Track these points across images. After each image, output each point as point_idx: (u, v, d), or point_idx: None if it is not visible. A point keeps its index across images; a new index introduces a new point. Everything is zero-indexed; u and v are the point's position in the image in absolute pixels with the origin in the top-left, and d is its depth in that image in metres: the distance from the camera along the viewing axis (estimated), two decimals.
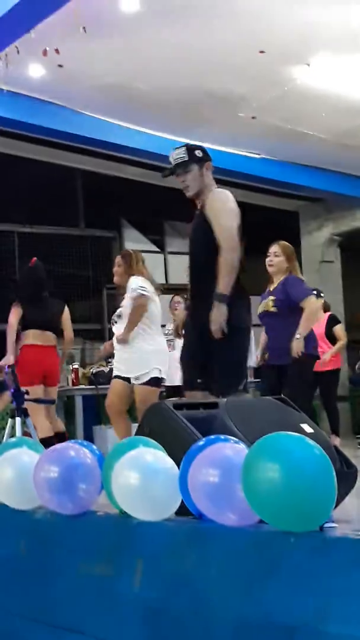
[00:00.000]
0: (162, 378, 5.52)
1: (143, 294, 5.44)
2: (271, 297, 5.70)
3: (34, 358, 6.32)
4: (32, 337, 6.36)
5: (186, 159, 4.19)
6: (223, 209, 4.13)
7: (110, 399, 5.57)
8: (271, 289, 5.78)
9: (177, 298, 8.04)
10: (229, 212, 4.13)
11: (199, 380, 4.11)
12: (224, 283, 4.00)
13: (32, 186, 10.67)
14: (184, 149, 4.26)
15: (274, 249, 5.85)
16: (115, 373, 5.63)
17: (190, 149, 4.26)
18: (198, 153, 4.23)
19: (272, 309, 5.64)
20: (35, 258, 6.78)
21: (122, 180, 10.57)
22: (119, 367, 5.56)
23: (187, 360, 4.24)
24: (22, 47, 6.70)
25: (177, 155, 4.23)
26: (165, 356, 5.64)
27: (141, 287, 5.51)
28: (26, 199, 10.94)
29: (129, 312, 5.47)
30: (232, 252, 4.06)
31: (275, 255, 5.82)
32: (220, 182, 10.34)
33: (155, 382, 5.43)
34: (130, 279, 5.59)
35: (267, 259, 5.84)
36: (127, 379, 5.47)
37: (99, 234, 11.52)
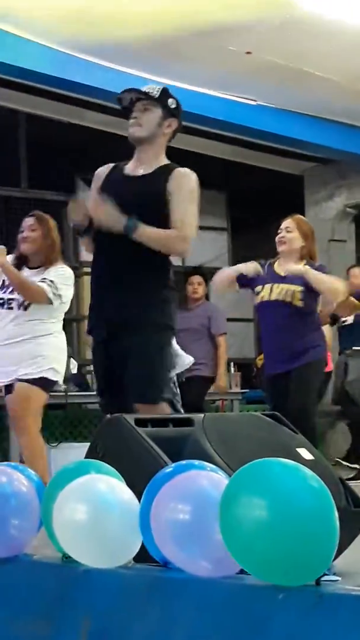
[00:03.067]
0: (56, 381, 5.57)
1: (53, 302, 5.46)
2: (296, 287, 5.64)
3: None
4: None
5: (156, 97, 4.27)
6: (194, 196, 4.28)
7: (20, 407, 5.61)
8: (282, 274, 5.76)
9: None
10: (196, 198, 4.30)
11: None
12: (150, 231, 4.13)
13: None
14: (159, 87, 4.38)
15: (287, 223, 5.87)
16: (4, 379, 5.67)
17: (166, 92, 4.34)
18: (172, 103, 4.34)
19: (298, 303, 5.63)
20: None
21: (78, 129, 10.53)
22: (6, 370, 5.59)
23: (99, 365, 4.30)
24: None
25: (148, 89, 4.33)
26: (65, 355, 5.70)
27: (60, 295, 5.49)
28: None
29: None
30: (185, 242, 4.23)
31: (288, 231, 5.84)
32: (205, 134, 10.42)
33: (47, 383, 5.49)
34: (59, 266, 5.56)
35: (278, 236, 5.86)
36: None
37: (47, 197, 11.48)
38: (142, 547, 2.38)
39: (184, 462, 2.44)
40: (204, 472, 2.32)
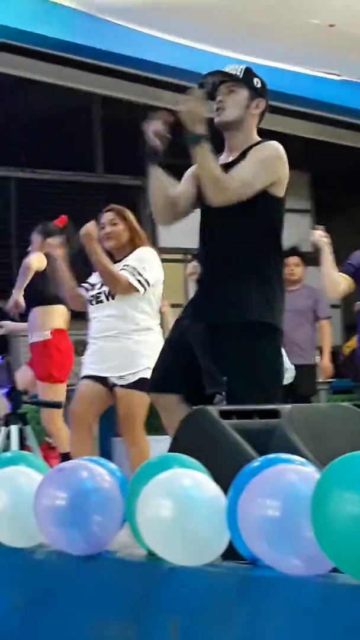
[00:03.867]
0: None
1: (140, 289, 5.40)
2: None
3: (68, 348, 6.48)
4: (64, 318, 6.52)
5: (240, 77, 4.20)
6: (263, 163, 4.11)
7: (78, 406, 5.56)
8: None
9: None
10: (268, 167, 4.13)
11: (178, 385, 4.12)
12: (204, 161, 4.02)
13: (34, 118, 10.69)
14: (242, 67, 4.27)
15: None
16: (86, 372, 5.62)
17: (250, 71, 4.26)
18: (257, 82, 4.23)
19: None
20: (64, 216, 6.82)
21: (154, 110, 10.56)
22: (94, 363, 5.56)
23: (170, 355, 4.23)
24: None
25: (230, 69, 4.25)
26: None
27: (145, 280, 5.42)
28: (26, 134, 10.97)
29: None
30: (224, 194, 4.06)
31: None
32: (287, 112, 10.36)
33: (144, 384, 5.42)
34: (137, 250, 5.51)
35: None
36: (104, 380, 5.47)
37: (121, 182, 11.52)
38: (230, 545, 2.38)
39: (271, 455, 2.43)
40: (293, 466, 2.32)
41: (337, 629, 2.01)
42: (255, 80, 4.22)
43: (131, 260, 5.45)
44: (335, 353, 10.91)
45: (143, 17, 8.79)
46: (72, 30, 8.83)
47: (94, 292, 5.55)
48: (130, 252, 5.50)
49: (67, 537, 2.65)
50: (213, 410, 3.23)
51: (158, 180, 4.29)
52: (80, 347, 10.78)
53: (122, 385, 5.36)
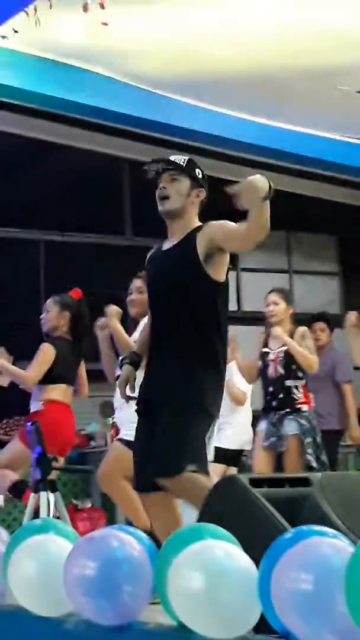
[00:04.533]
0: None
1: None
2: None
3: (65, 420, 6.39)
4: (62, 393, 6.43)
5: (183, 166, 4.32)
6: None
7: (103, 466, 5.61)
8: None
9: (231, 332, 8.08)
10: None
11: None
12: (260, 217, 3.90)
13: (63, 181, 10.80)
14: (185, 158, 4.41)
15: None
16: (120, 435, 5.63)
17: (192, 162, 4.39)
18: (198, 173, 4.36)
19: None
20: (79, 290, 6.83)
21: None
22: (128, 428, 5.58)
23: (136, 447, 4.25)
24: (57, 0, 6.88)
25: (174, 159, 4.37)
26: None
27: None
28: (56, 197, 11.08)
29: None
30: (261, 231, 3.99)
31: None
32: (314, 176, 10.41)
33: None
34: None
35: None
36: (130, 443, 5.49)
37: (150, 244, 11.60)
38: (262, 618, 2.36)
39: (304, 527, 2.41)
40: (327, 539, 2.29)
41: None
42: (197, 170, 4.34)
43: None
44: None
45: (171, 83, 8.90)
46: (101, 96, 8.96)
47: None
48: None
49: (96, 607, 2.64)
50: (243, 478, 3.22)
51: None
52: (108, 408, 10.80)
53: None
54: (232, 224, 4.12)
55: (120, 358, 4.78)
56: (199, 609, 2.38)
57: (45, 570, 2.84)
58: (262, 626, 2.37)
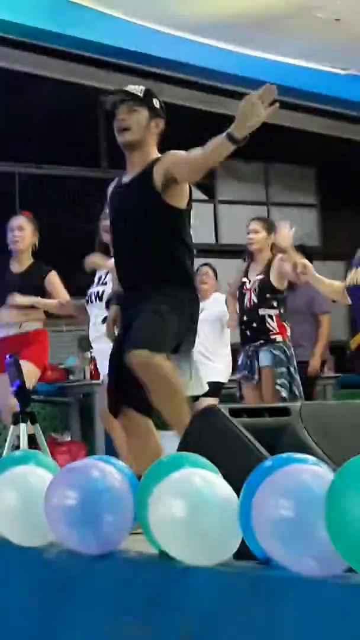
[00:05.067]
0: None
1: None
2: None
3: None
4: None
5: (141, 97, 4.29)
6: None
7: (103, 408, 5.57)
8: None
9: (206, 269, 8.02)
10: None
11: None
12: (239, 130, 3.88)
13: (39, 113, 10.69)
14: (142, 88, 4.38)
15: None
16: (103, 372, 5.61)
17: (150, 92, 4.36)
18: (156, 103, 4.33)
19: None
20: (27, 213, 6.80)
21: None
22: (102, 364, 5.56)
23: (110, 371, 4.29)
24: None
25: (131, 89, 4.33)
26: None
27: None
28: (32, 130, 10.97)
29: None
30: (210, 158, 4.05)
31: None
32: (293, 107, 10.35)
33: None
34: None
35: None
36: None
37: None
38: (242, 544, 2.38)
39: (284, 455, 2.43)
40: (307, 466, 2.31)
41: (351, 629, 2.00)
42: (155, 100, 4.33)
43: None
44: (342, 348, 10.91)
45: (148, 12, 8.78)
46: (78, 26, 8.84)
47: (88, 293, 5.74)
48: None
49: (78, 537, 2.65)
50: (223, 408, 3.23)
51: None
52: (86, 342, 10.81)
53: None
54: (184, 153, 4.12)
55: (107, 299, 4.79)
56: (180, 537, 2.40)
57: (26, 501, 2.85)
58: (243, 553, 2.39)
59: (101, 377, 5.58)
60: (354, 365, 8.64)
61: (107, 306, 4.44)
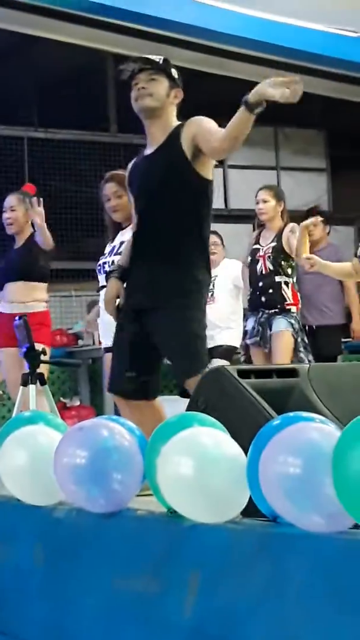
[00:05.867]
0: None
1: None
2: None
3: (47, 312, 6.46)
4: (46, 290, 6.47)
5: (161, 65, 4.21)
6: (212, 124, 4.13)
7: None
8: None
9: (214, 238, 7.99)
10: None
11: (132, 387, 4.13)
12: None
13: (47, 77, 10.66)
14: (162, 57, 4.30)
15: None
16: (106, 345, 5.57)
17: (168, 62, 4.28)
18: (175, 72, 4.25)
19: None
20: (32, 185, 6.77)
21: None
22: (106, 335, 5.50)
23: (119, 352, 4.24)
24: None
25: (152, 58, 4.25)
26: None
27: None
28: (39, 94, 10.95)
29: None
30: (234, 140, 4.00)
31: None
32: (302, 70, 10.31)
33: None
34: None
35: None
36: None
37: (135, 141, 11.49)
38: (250, 502, 2.40)
39: (291, 413, 2.45)
40: (314, 424, 2.33)
41: (357, 584, 2.03)
42: (173, 70, 4.24)
43: None
44: (347, 314, 10.90)
45: None
46: None
47: (100, 261, 5.58)
48: None
49: (87, 495, 2.68)
50: (231, 369, 3.25)
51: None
52: (95, 307, 10.81)
53: None
54: (208, 123, 4.06)
55: (108, 270, 4.71)
56: (188, 495, 2.43)
57: (36, 460, 2.88)
58: (251, 510, 2.42)
59: (102, 345, 5.52)
60: None
61: (107, 278, 4.38)
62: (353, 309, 7.89)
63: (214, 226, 7.35)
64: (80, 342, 9.41)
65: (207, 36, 9.39)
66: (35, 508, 2.94)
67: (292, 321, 6.56)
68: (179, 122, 4.20)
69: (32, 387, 5.20)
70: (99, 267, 5.66)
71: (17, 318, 5.55)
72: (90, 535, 2.74)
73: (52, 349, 7.12)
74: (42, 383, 5.30)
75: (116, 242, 5.55)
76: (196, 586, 2.34)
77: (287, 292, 6.62)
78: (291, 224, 6.73)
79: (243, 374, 3.23)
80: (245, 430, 2.60)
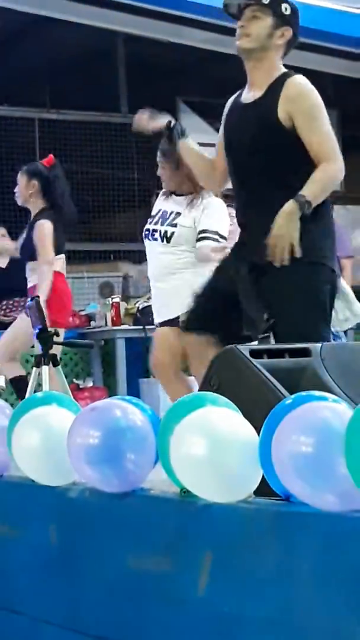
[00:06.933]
0: None
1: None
2: None
3: (67, 291, 6.47)
4: (61, 264, 6.47)
5: (264, 2, 3.97)
6: (317, 105, 3.99)
7: (157, 358, 5.34)
8: None
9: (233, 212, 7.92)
10: (324, 111, 4.01)
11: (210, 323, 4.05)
12: (314, 191, 3.90)
13: (57, 58, 10.64)
14: None
15: None
16: (157, 319, 5.46)
17: None
18: (285, 8, 4.01)
19: None
20: (52, 156, 6.79)
21: (179, 48, 10.48)
22: (159, 308, 5.39)
23: (207, 294, 4.16)
24: None
25: None
26: None
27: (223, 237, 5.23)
28: (50, 75, 10.93)
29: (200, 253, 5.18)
30: (340, 169, 4.01)
31: None
32: (314, 49, 10.27)
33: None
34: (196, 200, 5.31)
35: None
36: (176, 322, 5.24)
37: None
38: (263, 481, 2.41)
39: (304, 393, 2.45)
40: (326, 403, 2.33)
41: None
42: (284, 6, 4.01)
43: (204, 221, 5.27)
44: None
45: None
46: None
47: (149, 227, 5.39)
48: (192, 189, 5.26)
49: (100, 475, 2.69)
50: (244, 349, 3.26)
51: (191, 154, 4.27)
52: (107, 289, 10.84)
53: None
54: (316, 113, 3.97)
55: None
56: (201, 474, 2.43)
57: (49, 441, 2.89)
58: (264, 489, 2.42)
59: (156, 322, 5.43)
60: None
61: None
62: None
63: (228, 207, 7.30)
64: (92, 323, 9.43)
65: (219, 15, 9.35)
66: (49, 488, 2.95)
67: None
68: (285, 71, 4.03)
69: (45, 368, 5.23)
70: (146, 233, 5.49)
71: (29, 299, 5.58)
72: (104, 515, 2.76)
73: (66, 330, 7.15)
74: (55, 364, 5.32)
75: (166, 210, 5.40)
76: (209, 565, 2.35)
77: None
78: None
79: (255, 354, 3.24)
80: (258, 410, 2.60)
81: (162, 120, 4.31)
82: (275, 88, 3.98)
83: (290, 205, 3.88)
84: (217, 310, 4.08)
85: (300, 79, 4.03)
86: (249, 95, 4.09)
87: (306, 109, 3.97)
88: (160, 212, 5.40)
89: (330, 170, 3.98)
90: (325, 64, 10.54)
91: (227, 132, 4.17)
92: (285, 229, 3.87)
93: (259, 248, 3.94)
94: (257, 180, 4.06)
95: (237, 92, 4.19)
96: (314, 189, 3.92)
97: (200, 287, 4.28)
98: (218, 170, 4.29)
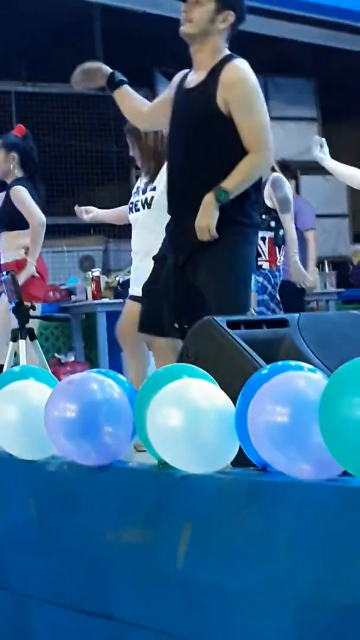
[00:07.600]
0: None
1: None
2: None
3: (43, 265, 6.44)
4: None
5: None
6: (254, 93, 4.09)
7: (121, 329, 5.49)
8: None
9: None
10: (261, 100, 4.13)
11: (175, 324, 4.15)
12: (235, 182, 4.03)
13: (34, 30, 10.56)
14: None
15: None
16: (131, 292, 5.52)
17: None
18: None
19: None
20: (21, 125, 6.76)
21: (157, 19, 10.42)
22: (134, 280, 5.45)
23: (154, 293, 4.28)
24: None
25: None
26: None
27: None
28: (25, 47, 10.85)
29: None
30: (267, 158, 4.14)
31: None
32: (291, 18, 10.19)
33: None
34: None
35: None
36: None
37: None
38: (240, 452, 2.42)
39: (280, 363, 2.46)
40: (302, 373, 2.34)
41: (347, 532, 2.04)
42: None
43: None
44: (344, 263, 10.91)
45: None
46: None
47: (132, 200, 5.47)
48: (154, 171, 5.34)
49: (78, 448, 2.69)
50: (221, 320, 3.26)
51: (125, 98, 4.36)
52: (87, 262, 10.83)
53: None
54: (252, 110, 4.04)
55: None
56: (178, 446, 2.44)
57: (26, 415, 2.89)
58: (241, 460, 2.43)
59: (130, 293, 5.48)
60: (356, 279, 8.65)
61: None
62: (310, 262, 7.89)
63: None
64: (73, 297, 9.42)
65: None
66: (27, 462, 2.95)
67: (260, 279, 6.51)
68: (226, 55, 4.08)
69: (22, 342, 5.23)
70: (130, 207, 5.53)
71: (5, 273, 5.56)
72: (83, 488, 2.76)
73: (46, 304, 7.15)
74: (32, 338, 5.32)
75: (141, 181, 5.44)
76: (188, 536, 2.36)
77: (263, 248, 6.56)
78: (274, 175, 6.69)
79: (232, 324, 3.24)
80: (236, 381, 2.60)
81: (99, 74, 4.34)
82: (215, 73, 4.06)
83: (209, 196, 4.01)
84: (160, 310, 4.21)
85: (237, 64, 4.10)
86: (193, 77, 4.17)
87: (240, 97, 4.05)
88: (139, 186, 5.49)
89: (254, 161, 4.07)
90: (303, 33, 10.50)
91: (172, 112, 4.24)
92: (203, 220, 4.01)
93: (187, 238, 4.12)
94: (189, 158, 4.15)
95: (186, 71, 4.27)
96: (236, 180, 4.04)
97: (144, 284, 4.45)
98: (151, 110, 4.37)
